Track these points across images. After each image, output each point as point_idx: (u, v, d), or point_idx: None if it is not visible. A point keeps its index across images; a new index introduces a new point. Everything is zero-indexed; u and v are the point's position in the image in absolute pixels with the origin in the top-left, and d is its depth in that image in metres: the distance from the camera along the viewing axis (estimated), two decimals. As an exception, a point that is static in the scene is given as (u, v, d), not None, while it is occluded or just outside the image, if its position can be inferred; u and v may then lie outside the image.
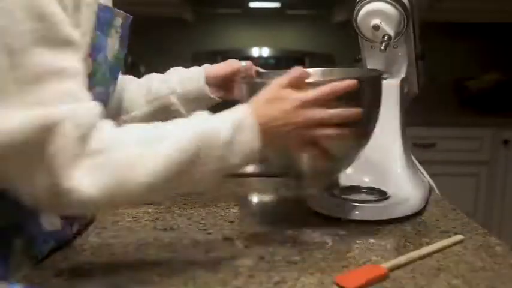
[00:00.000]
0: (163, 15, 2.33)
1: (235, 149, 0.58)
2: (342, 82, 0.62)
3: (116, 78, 0.72)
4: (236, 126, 0.58)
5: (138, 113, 0.84)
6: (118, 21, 0.68)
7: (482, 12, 2.27)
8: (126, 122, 0.83)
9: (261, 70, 0.80)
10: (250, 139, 0.59)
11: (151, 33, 2.55)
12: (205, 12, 2.56)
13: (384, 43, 0.81)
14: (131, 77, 0.90)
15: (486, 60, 2.58)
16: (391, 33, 0.82)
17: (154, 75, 0.89)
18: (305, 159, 0.68)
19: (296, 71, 0.63)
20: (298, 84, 0.62)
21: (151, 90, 0.85)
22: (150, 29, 2.55)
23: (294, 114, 0.60)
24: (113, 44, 0.67)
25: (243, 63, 0.79)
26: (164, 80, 0.86)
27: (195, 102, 0.84)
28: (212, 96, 0.85)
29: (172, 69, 0.89)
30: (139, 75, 0.90)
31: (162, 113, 0.83)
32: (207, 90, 0.84)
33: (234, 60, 0.85)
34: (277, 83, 0.62)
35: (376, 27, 0.81)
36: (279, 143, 0.62)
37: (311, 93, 0.61)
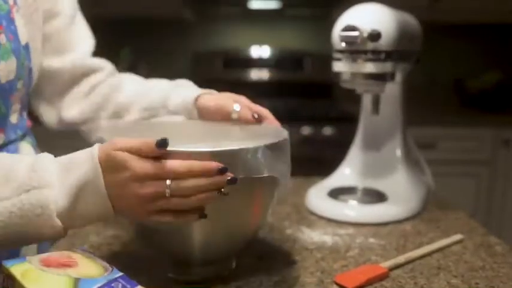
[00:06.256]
0: (163, 15, 2.33)
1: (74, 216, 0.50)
2: (202, 163, 0.50)
3: None
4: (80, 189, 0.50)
5: (128, 119, 0.82)
6: None
7: (482, 12, 2.27)
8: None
9: (256, 115, 0.68)
10: (94, 206, 0.50)
11: (151, 33, 2.55)
12: (205, 12, 2.56)
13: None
14: (131, 78, 0.89)
15: (486, 60, 2.58)
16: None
17: (155, 85, 0.85)
18: (196, 242, 0.55)
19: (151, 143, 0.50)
20: (149, 152, 0.50)
21: (147, 99, 0.82)
22: (150, 29, 2.55)
23: (127, 186, 0.50)
24: None
25: (236, 107, 0.69)
26: (162, 95, 0.81)
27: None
28: None
29: (174, 84, 0.83)
30: (139, 75, 0.90)
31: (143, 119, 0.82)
32: (195, 118, 0.77)
33: (228, 100, 0.72)
34: (125, 146, 0.50)
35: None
36: (122, 209, 0.52)
37: (151, 166, 0.49)
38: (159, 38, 2.56)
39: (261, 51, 2.55)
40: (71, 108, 0.83)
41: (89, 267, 0.48)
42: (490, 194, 2.22)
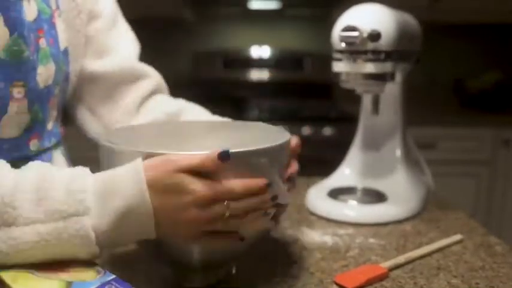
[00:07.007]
0: (163, 15, 2.33)
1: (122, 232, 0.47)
2: (255, 181, 0.48)
3: None
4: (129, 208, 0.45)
5: None
6: None
7: (482, 12, 2.27)
8: None
9: None
10: (140, 227, 0.47)
11: (152, 33, 2.55)
12: (205, 12, 2.56)
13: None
14: (193, 108, 0.84)
15: (486, 60, 2.58)
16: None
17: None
18: (198, 250, 0.53)
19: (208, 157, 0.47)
20: (212, 167, 0.47)
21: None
22: (150, 29, 2.55)
23: (187, 210, 0.46)
24: None
25: None
26: None
27: None
28: None
29: None
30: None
31: None
32: None
33: None
34: (185, 166, 0.46)
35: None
36: (169, 232, 0.49)
37: (212, 189, 0.46)
38: (159, 38, 2.56)
39: (261, 51, 2.55)
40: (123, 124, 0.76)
41: (80, 271, 0.47)
42: (490, 194, 2.22)
